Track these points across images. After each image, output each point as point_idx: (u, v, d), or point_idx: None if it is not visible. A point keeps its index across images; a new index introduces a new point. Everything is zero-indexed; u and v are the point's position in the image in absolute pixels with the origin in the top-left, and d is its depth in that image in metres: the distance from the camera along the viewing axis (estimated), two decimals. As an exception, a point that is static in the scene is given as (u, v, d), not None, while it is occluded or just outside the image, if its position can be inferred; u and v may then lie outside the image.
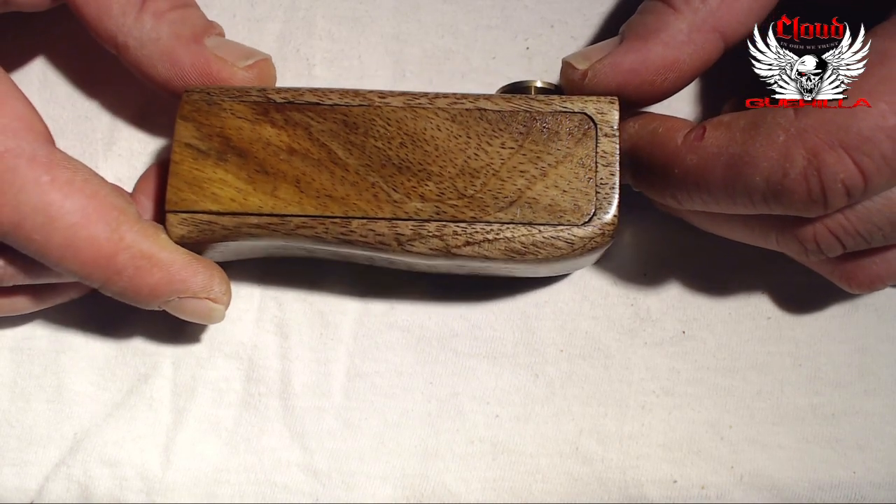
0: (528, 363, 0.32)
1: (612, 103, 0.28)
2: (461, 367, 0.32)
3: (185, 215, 0.28)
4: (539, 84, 0.30)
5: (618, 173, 0.27)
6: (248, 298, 0.32)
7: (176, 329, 0.32)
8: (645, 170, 0.28)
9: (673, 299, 0.32)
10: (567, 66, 0.29)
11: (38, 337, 0.32)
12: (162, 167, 0.31)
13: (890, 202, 0.26)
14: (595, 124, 0.28)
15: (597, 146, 0.28)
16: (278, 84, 0.33)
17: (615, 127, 0.28)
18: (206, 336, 0.32)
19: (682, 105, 0.33)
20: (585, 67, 0.28)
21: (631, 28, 0.28)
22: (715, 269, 0.32)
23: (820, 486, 0.31)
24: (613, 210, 0.27)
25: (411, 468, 0.31)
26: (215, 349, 0.32)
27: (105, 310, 0.32)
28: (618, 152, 0.28)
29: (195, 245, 0.29)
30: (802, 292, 0.32)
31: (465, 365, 0.32)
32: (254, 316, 0.32)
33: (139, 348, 0.32)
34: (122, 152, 0.34)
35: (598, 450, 0.31)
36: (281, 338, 0.32)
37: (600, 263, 0.33)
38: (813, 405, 0.32)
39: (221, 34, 0.31)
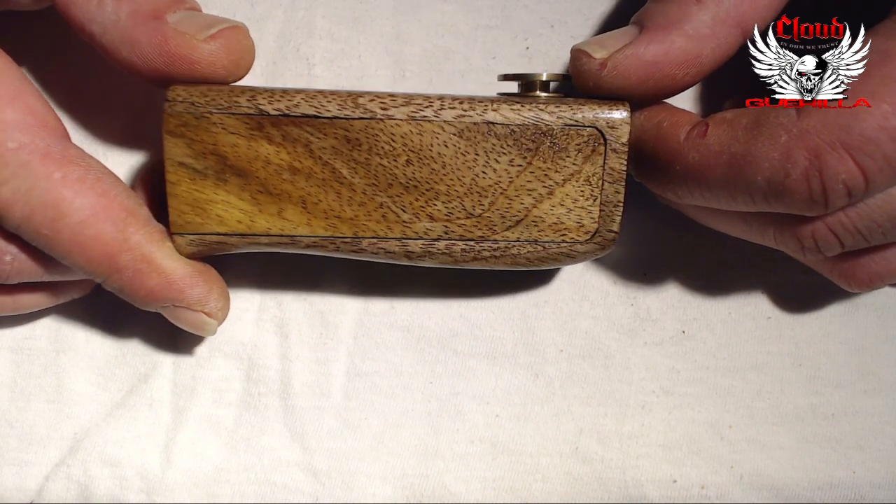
0: (527, 363, 0.32)
1: (624, 114, 0.27)
2: (461, 367, 0.32)
3: (192, 237, 0.28)
4: (545, 77, 0.29)
5: (623, 191, 0.27)
6: (248, 298, 0.32)
7: (176, 329, 0.32)
8: (647, 162, 0.28)
9: (673, 299, 0.32)
10: (581, 54, 0.28)
11: (38, 337, 0.32)
12: (161, 166, 0.31)
13: (890, 199, 0.25)
14: (605, 140, 0.27)
15: (605, 163, 0.27)
16: (277, 84, 0.33)
17: (625, 142, 0.27)
18: (207, 336, 0.32)
19: (682, 105, 0.33)
20: (604, 57, 0.27)
21: (651, 17, 0.27)
22: (715, 268, 0.32)
23: (820, 486, 0.31)
24: (616, 227, 0.28)
25: (411, 468, 0.31)
26: (215, 349, 0.32)
27: (105, 310, 0.32)
28: (625, 169, 0.27)
29: (205, 258, 0.29)
30: (802, 292, 0.32)
31: (465, 365, 0.32)
32: (254, 316, 0.32)
33: (139, 348, 0.32)
34: (122, 152, 0.33)
35: (598, 449, 0.31)
36: (281, 338, 0.32)
37: (600, 263, 0.33)
38: (813, 405, 0.32)
39: (195, 8, 0.29)
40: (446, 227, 0.28)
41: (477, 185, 0.27)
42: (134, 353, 0.32)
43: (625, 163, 0.27)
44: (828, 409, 0.31)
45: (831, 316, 0.32)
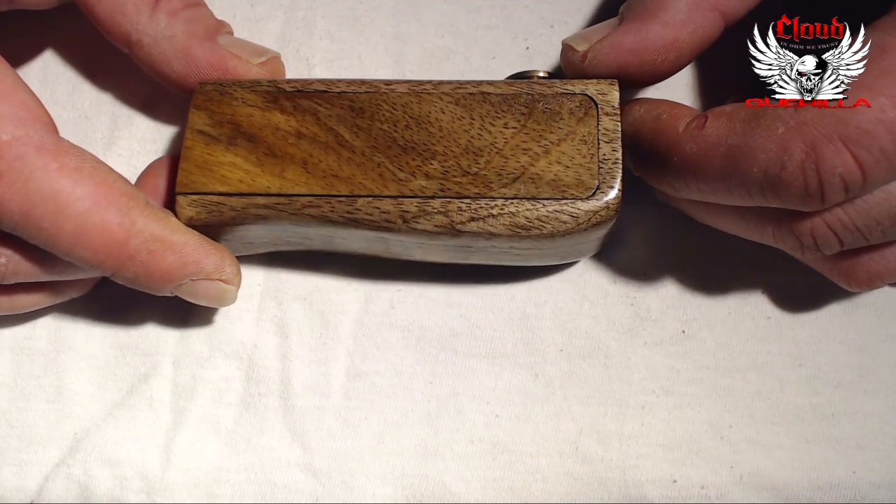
0: (528, 363, 0.32)
1: (612, 84, 0.28)
2: (461, 367, 0.32)
3: (194, 197, 0.28)
4: (541, 74, 0.30)
5: (620, 149, 0.28)
6: (248, 298, 0.33)
7: (176, 329, 0.32)
8: (645, 155, 0.28)
9: (673, 299, 0.32)
10: (567, 48, 0.29)
11: (38, 337, 0.32)
12: (162, 164, 0.31)
13: (889, 196, 0.25)
14: (596, 104, 0.28)
15: (598, 124, 0.28)
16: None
17: (616, 106, 0.28)
18: (207, 336, 0.32)
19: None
20: (585, 49, 0.28)
21: (630, 8, 0.28)
22: (715, 268, 0.32)
23: (820, 486, 0.31)
24: (617, 185, 0.28)
25: (411, 468, 0.31)
26: (215, 349, 0.32)
27: (105, 309, 0.32)
28: (620, 129, 0.28)
29: (203, 228, 0.29)
30: (802, 292, 0.32)
31: (465, 365, 0.32)
32: (254, 316, 0.32)
33: (139, 348, 0.32)
34: (122, 152, 0.34)
35: (598, 449, 0.31)
36: (281, 338, 0.32)
37: (600, 262, 0.33)
38: (813, 405, 0.32)
39: (231, 32, 0.32)
40: (442, 184, 0.28)
41: (473, 146, 0.28)
42: (134, 353, 0.32)
43: (618, 124, 0.28)
44: (828, 409, 0.31)
45: (831, 316, 0.32)
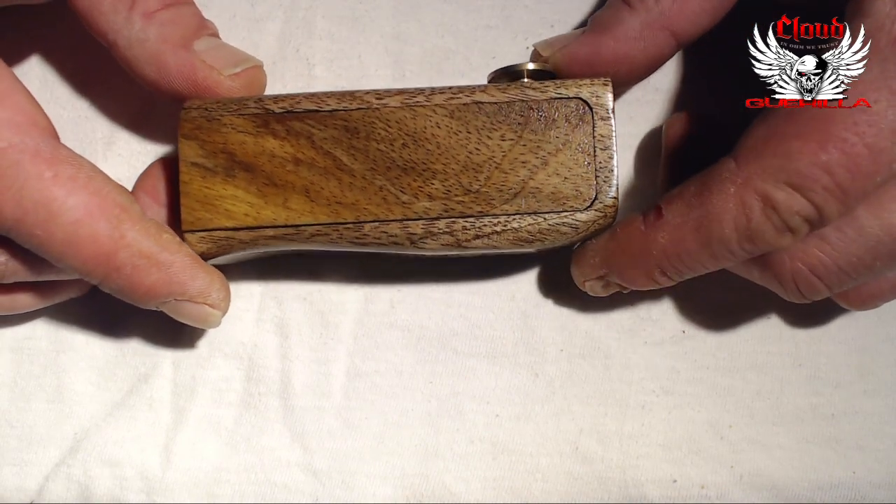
0: (527, 363, 0.32)
1: (606, 85, 0.28)
2: (461, 366, 0.32)
3: (202, 234, 0.28)
4: (530, 66, 0.30)
5: (615, 156, 0.28)
6: (248, 298, 0.33)
7: (176, 329, 0.32)
8: (630, 267, 0.28)
9: (673, 299, 0.32)
10: (534, 52, 0.31)
11: (38, 337, 0.32)
12: (162, 165, 0.31)
13: (862, 231, 0.26)
14: (591, 108, 0.28)
15: (594, 130, 0.28)
16: (279, 86, 0.33)
17: (610, 109, 0.28)
18: (206, 336, 0.32)
19: (679, 103, 0.33)
20: (547, 56, 0.30)
21: (593, 21, 0.30)
22: (715, 268, 0.32)
23: (820, 486, 0.31)
24: (613, 192, 0.28)
25: (411, 468, 0.31)
26: (215, 349, 0.32)
27: (105, 310, 0.32)
28: (614, 135, 0.28)
29: (216, 258, 0.29)
30: (802, 292, 0.32)
31: (465, 365, 0.32)
32: (254, 316, 0.32)
33: (139, 348, 0.32)
34: (122, 152, 0.33)
35: (598, 449, 0.31)
36: (281, 337, 0.32)
37: (600, 263, 0.33)
38: (813, 405, 0.32)
39: (215, 34, 0.31)
40: (445, 204, 0.28)
41: (472, 162, 0.28)
42: (134, 353, 0.32)
43: (612, 129, 0.28)
44: (828, 409, 0.32)
45: (831, 316, 0.32)
